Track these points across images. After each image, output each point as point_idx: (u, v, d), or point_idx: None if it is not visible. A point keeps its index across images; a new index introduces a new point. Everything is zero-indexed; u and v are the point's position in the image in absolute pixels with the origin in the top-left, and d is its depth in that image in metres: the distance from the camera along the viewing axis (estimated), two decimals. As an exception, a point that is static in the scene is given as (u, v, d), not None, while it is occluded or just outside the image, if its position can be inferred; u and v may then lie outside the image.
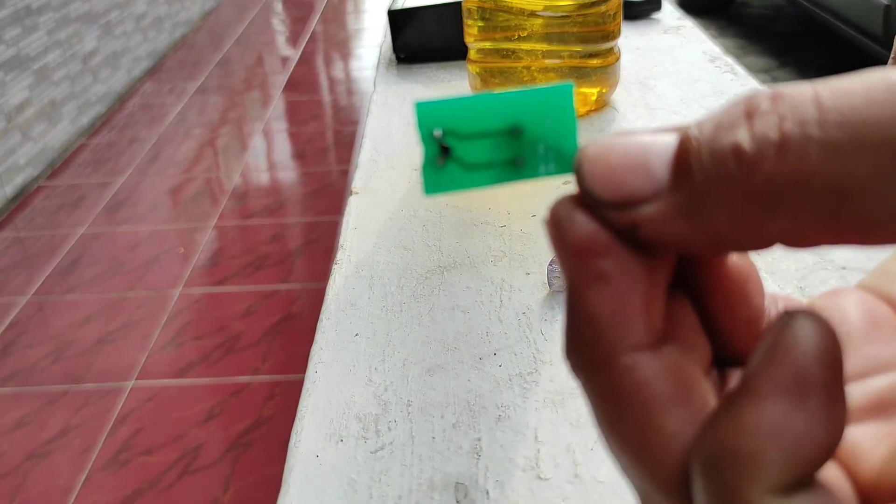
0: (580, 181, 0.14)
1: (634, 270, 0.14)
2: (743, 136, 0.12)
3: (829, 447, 0.12)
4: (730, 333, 0.16)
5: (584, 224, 0.14)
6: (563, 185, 0.50)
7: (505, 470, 0.29)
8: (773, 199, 0.12)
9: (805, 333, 0.13)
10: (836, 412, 0.12)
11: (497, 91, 0.15)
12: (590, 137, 0.51)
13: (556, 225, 0.14)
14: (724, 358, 0.16)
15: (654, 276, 0.14)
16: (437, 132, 0.15)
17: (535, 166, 0.15)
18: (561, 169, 0.15)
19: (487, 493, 0.28)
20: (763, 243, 0.13)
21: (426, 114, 0.15)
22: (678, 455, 0.13)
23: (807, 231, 0.12)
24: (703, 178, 0.12)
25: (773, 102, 0.12)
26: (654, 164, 0.13)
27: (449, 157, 0.15)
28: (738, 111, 0.12)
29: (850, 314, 0.18)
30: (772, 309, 0.17)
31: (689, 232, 0.13)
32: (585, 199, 0.14)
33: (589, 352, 0.14)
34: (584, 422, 0.31)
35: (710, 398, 0.14)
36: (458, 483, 0.29)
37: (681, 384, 0.14)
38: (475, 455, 0.30)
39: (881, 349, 0.17)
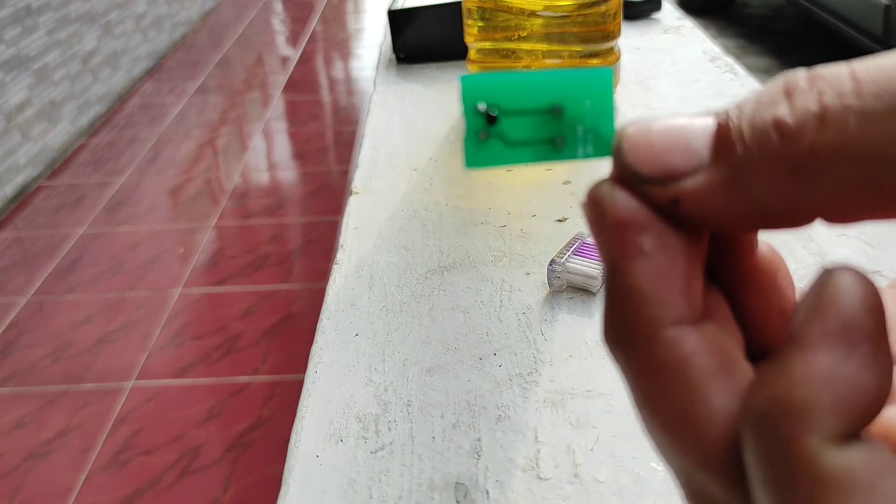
0: (621, 159, 0.14)
1: (675, 246, 0.14)
2: (784, 111, 0.12)
3: (880, 396, 0.12)
4: (762, 325, 0.16)
5: (625, 200, 0.14)
6: (562, 185, 0.50)
7: (505, 470, 0.29)
8: (815, 169, 0.12)
9: (848, 285, 0.13)
10: (884, 360, 0.12)
11: (541, 70, 0.15)
12: (579, 194, 0.51)
13: (596, 203, 0.14)
14: (755, 353, 0.16)
15: (694, 253, 0.14)
16: (482, 105, 0.15)
17: (574, 147, 0.16)
18: (599, 151, 0.16)
19: (487, 493, 0.28)
20: (804, 217, 0.13)
21: (471, 87, 0.15)
22: (724, 429, 0.13)
23: (848, 201, 0.12)
24: (745, 151, 0.13)
25: (811, 80, 0.12)
26: (694, 141, 0.14)
27: (491, 131, 0.15)
28: (777, 90, 0.13)
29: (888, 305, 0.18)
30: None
31: (732, 206, 0.13)
32: (625, 177, 0.14)
33: (631, 328, 0.14)
34: (584, 422, 0.31)
35: (751, 375, 0.14)
36: (458, 483, 0.29)
37: (724, 358, 0.14)
38: (475, 455, 0.30)
39: None
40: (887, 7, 2.07)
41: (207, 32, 3.81)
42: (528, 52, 0.57)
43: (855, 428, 0.12)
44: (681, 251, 0.14)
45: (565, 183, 0.50)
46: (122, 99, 2.99)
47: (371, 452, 0.30)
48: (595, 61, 0.59)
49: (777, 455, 0.12)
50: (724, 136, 0.13)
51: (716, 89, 0.66)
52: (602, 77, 0.16)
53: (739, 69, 0.70)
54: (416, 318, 0.38)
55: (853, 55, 2.73)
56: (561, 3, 0.55)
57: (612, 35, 0.59)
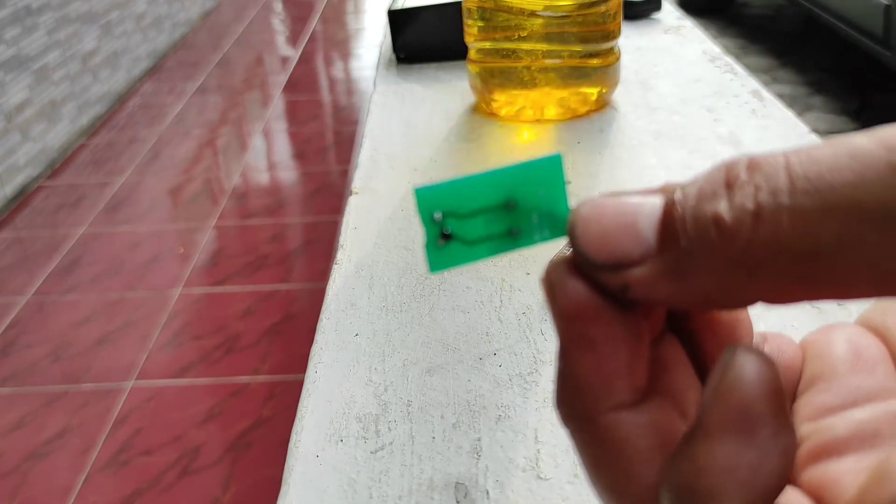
0: (574, 244, 0.15)
1: (620, 335, 0.15)
2: (723, 207, 0.13)
3: (782, 475, 0.13)
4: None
5: (574, 290, 0.15)
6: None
7: (505, 470, 0.29)
8: (752, 264, 0.13)
9: (746, 369, 0.13)
10: (784, 440, 0.13)
11: (490, 168, 0.16)
12: (579, 194, 0.51)
13: (550, 288, 0.15)
14: None
15: (640, 337, 0.15)
16: (437, 215, 0.16)
17: (531, 234, 0.16)
18: (555, 234, 0.16)
19: (487, 493, 0.28)
20: (746, 302, 0.14)
21: (426, 198, 0.16)
22: (653, 499, 0.14)
23: (786, 292, 0.13)
24: (688, 243, 0.13)
25: (750, 172, 0.13)
26: (642, 227, 0.14)
27: (450, 237, 0.16)
28: (718, 179, 0.13)
29: (835, 348, 0.18)
30: (761, 347, 0.18)
31: (676, 292, 0.14)
32: (578, 261, 0.15)
33: (575, 408, 0.15)
34: (585, 422, 0.31)
35: None
36: (458, 483, 0.29)
37: (661, 436, 0.15)
38: (475, 455, 0.30)
39: (863, 380, 0.17)
40: (887, 7, 2.07)
41: (207, 32, 3.81)
42: (528, 52, 0.57)
43: None
44: (626, 339, 0.15)
45: (566, 183, 0.50)
46: (121, 99, 2.99)
47: (371, 452, 0.30)
48: (595, 61, 0.59)
49: None
50: (669, 225, 0.14)
51: (716, 89, 0.66)
52: (552, 164, 0.16)
53: (739, 69, 0.70)
54: (416, 318, 0.38)
55: (853, 55, 2.73)
56: (561, 3, 0.55)
57: (612, 35, 0.59)
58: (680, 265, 0.14)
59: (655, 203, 0.14)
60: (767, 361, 0.14)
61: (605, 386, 0.15)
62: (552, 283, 0.15)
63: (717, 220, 0.13)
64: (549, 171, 0.16)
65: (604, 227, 0.15)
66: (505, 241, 0.16)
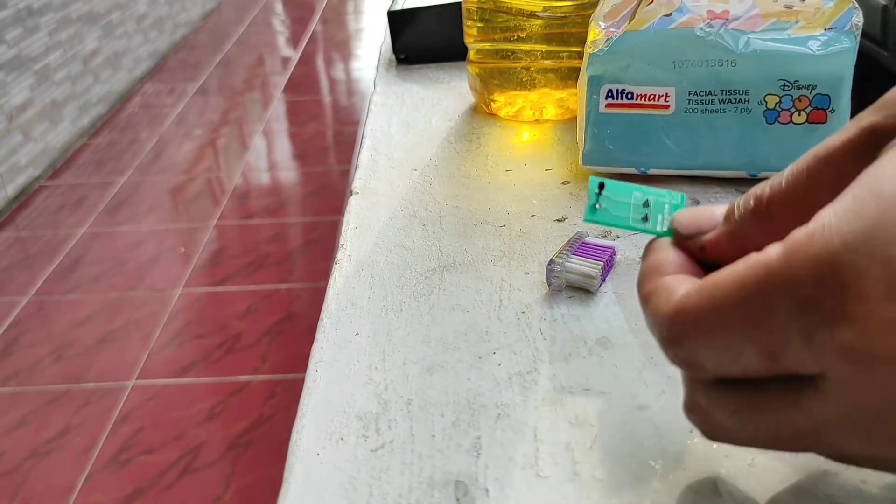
0: (674, 224, 0.26)
1: (683, 262, 0.26)
2: (758, 191, 0.24)
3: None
4: None
5: (663, 241, 0.27)
6: (561, 185, 0.50)
7: (504, 468, 0.29)
8: (769, 219, 0.24)
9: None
10: None
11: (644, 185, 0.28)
12: (579, 194, 0.51)
13: (649, 246, 0.27)
14: None
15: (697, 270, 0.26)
16: (597, 191, 0.28)
17: (655, 223, 0.27)
18: (670, 230, 0.27)
19: (487, 491, 0.28)
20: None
21: (595, 180, 0.28)
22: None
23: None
24: (738, 213, 0.24)
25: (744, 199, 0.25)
26: (716, 214, 0.25)
27: (601, 206, 0.28)
28: (748, 197, 0.25)
29: None
30: None
31: (731, 249, 0.24)
32: (675, 237, 0.26)
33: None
34: (583, 420, 0.31)
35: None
36: (457, 481, 0.29)
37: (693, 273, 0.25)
38: (475, 453, 0.30)
39: None
40: (885, 7, 2.07)
41: (208, 33, 3.82)
42: (528, 52, 0.57)
43: None
44: (686, 267, 0.25)
45: (564, 183, 0.51)
46: (123, 99, 3.00)
47: (371, 451, 0.31)
48: (594, 62, 0.59)
49: None
50: (730, 209, 0.25)
51: (715, 90, 0.66)
52: (679, 197, 0.28)
53: (738, 69, 0.70)
54: (416, 317, 0.38)
55: (853, 55, 2.73)
56: (560, 4, 0.55)
57: (612, 36, 0.60)
58: (734, 227, 0.24)
59: (724, 206, 0.25)
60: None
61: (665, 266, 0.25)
62: (653, 244, 0.27)
63: (754, 195, 0.24)
64: (675, 198, 0.28)
65: (692, 214, 0.26)
66: (638, 223, 0.27)
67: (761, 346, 0.20)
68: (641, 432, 0.30)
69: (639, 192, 0.27)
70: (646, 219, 0.27)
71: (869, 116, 0.22)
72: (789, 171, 0.24)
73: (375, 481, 0.29)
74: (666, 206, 0.27)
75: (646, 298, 0.24)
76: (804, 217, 0.21)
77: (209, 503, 1.31)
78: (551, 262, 0.39)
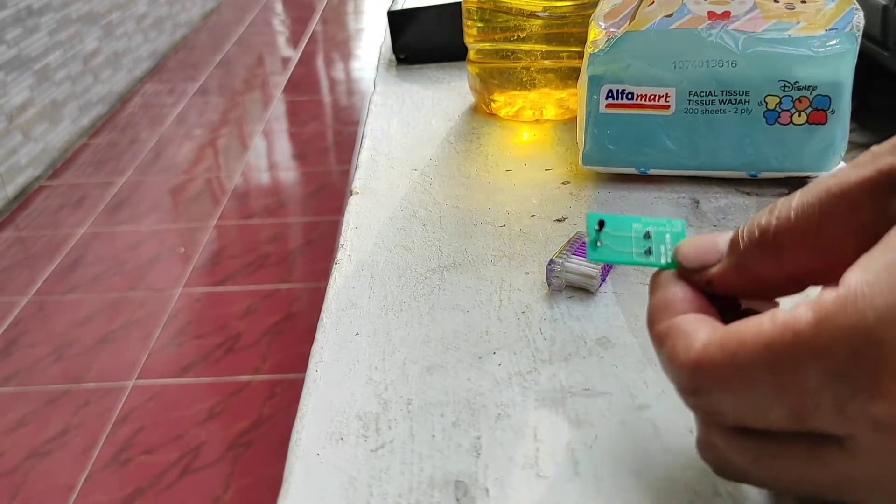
0: (677, 257, 0.26)
1: (693, 299, 0.25)
2: (763, 220, 0.24)
3: None
4: None
5: (669, 275, 0.26)
6: (561, 185, 0.50)
7: (504, 468, 0.29)
8: (778, 249, 0.24)
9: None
10: None
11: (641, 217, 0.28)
12: (578, 193, 0.51)
13: (655, 279, 0.27)
14: None
15: (708, 307, 0.25)
16: (596, 228, 0.27)
17: (659, 257, 0.27)
18: (673, 262, 0.26)
19: (487, 490, 0.28)
20: (783, 281, 0.24)
21: (593, 216, 0.27)
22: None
23: (804, 269, 0.24)
24: (743, 244, 0.24)
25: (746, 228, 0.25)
26: (720, 244, 0.25)
27: (602, 243, 0.27)
28: (761, 213, 0.24)
29: None
30: None
31: (739, 282, 0.24)
32: (680, 270, 0.26)
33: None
34: (583, 420, 0.31)
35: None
36: (457, 481, 0.29)
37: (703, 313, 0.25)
38: (475, 453, 0.30)
39: None
40: (885, 7, 2.07)
41: (208, 33, 3.81)
42: (528, 52, 0.57)
43: None
44: (696, 303, 0.25)
45: (564, 183, 0.51)
46: (123, 99, 2.99)
47: (371, 451, 0.31)
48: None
49: None
50: (734, 238, 0.24)
51: (715, 90, 0.66)
52: (678, 225, 0.27)
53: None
54: (416, 317, 0.38)
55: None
56: (560, 4, 0.55)
57: (612, 36, 0.60)
58: (740, 259, 0.24)
59: (728, 235, 0.25)
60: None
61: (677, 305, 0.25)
62: (658, 278, 0.26)
63: (759, 226, 0.24)
64: (675, 226, 0.27)
65: (696, 246, 0.26)
66: (642, 256, 0.27)
67: (787, 407, 0.20)
68: (641, 432, 0.30)
69: (638, 223, 0.27)
70: (649, 252, 0.27)
71: (888, 157, 0.22)
72: (798, 203, 0.23)
73: (375, 481, 0.29)
74: (667, 236, 0.27)
75: (660, 340, 0.24)
76: (814, 252, 0.22)
77: (209, 503, 1.31)
78: (551, 262, 0.39)
